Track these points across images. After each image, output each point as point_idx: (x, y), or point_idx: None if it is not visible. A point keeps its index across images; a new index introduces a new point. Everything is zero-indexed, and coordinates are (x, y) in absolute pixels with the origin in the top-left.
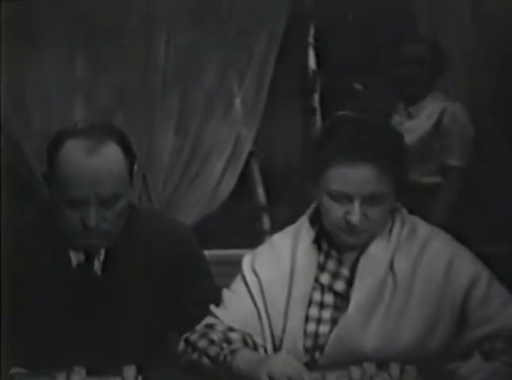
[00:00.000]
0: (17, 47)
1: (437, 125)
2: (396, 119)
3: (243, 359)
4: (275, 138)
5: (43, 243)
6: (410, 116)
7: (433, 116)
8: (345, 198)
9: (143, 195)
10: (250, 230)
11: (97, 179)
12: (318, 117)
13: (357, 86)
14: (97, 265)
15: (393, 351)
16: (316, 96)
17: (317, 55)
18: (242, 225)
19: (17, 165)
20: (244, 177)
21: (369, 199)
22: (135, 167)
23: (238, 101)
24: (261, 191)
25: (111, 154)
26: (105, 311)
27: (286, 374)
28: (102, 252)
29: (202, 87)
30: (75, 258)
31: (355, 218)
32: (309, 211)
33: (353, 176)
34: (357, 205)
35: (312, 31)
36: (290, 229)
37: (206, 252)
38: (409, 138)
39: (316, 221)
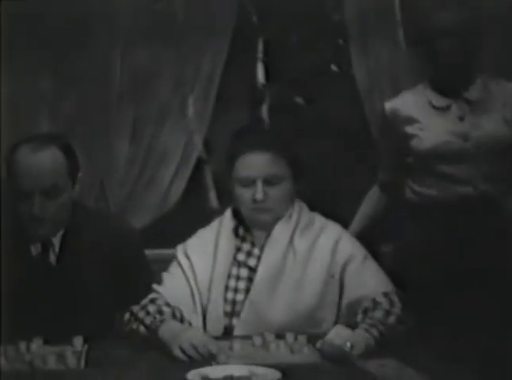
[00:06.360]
0: None
1: None
2: (456, 111)
3: (168, 328)
4: (225, 145)
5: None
6: (469, 103)
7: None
8: (251, 182)
9: (100, 199)
10: None
11: (39, 172)
12: None
13: (299, 100)
14: (52, 256)
15: (293, 317)
16: (264, 108)
17: (266, 69)
18: (194, 226)
19: None
20: (197, 183)
21: (269, 180)
22: (79, 174)
23: (188, 112)
24: (213, 196)
25: (51, 154)
26: (60, 293)
27: (192, 344)
28: (57, 245)
29: (155, 100)
30: (34, 250)
31: (259, 195)
32: (229, 209)
33: (255, 162)
34: (259, 185)
35: (261, 46)
36: (214, 223)
37: (159, 251)
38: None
39: (234, 215)
